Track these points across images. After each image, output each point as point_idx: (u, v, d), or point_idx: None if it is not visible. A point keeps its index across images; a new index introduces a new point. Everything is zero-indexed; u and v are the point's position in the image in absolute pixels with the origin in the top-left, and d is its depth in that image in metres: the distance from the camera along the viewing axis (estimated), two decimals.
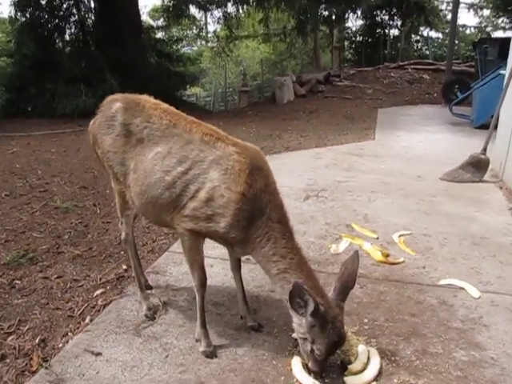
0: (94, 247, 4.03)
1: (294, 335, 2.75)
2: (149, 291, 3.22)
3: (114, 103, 2.78)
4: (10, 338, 2.78)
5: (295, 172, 6.40)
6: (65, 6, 14.72)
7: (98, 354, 2.60)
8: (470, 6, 29.70)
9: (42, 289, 3.35)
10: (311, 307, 2.21)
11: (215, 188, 2.38)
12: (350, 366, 2.48)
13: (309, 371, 2.42)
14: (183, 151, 2.49)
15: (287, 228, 2.46)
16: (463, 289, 3.35)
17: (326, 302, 2.29)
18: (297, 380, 2.41)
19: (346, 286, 2.39)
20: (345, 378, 2.40)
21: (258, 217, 2.40)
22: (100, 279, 3.48)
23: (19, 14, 13.86)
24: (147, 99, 2.80)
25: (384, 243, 4.11)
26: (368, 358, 2.54)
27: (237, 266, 2.89)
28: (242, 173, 2.37)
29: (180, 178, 2.46)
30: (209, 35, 24.25)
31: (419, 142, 8.78)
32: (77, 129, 9.89)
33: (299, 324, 2.36)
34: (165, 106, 2.76)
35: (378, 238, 4.22)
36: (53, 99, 12.60)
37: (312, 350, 2.31)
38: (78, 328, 2.88)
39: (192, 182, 2.44)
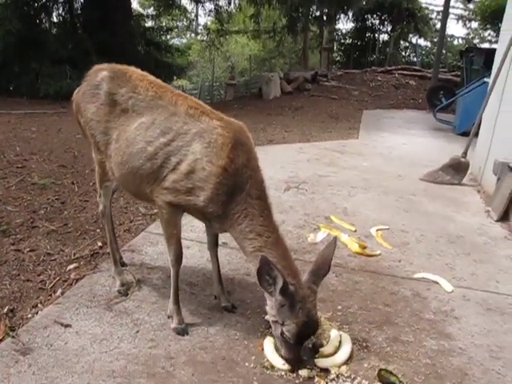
0: (69, 223, 3.96)
1: (267, 317, 2.75)
2: (123, 268, 3.18)
3: (101, 72, 2.73)
4: None
5: (277, 164, 6.40)
6: None
7: (68, 325, 2.57)
8: (460, 18, 30.19)
9: (14, 260, 3.28)
10: (280, 284, 2.19)
11: (197, 161, 2.35)
12: (321, 349, 2.49)
13: (285, 360, 2.37)
14: (167, 123, 2.46)
15: (266, 205, 2.45)
16: (437, 283, 3.40)
17: (297, 283, 2.28)
18: (267, 360, 2.41)
19: (319, 270, 2.38)
20: (315, 360, 2.40)
21: (237, 192, 2.38)
22: (74, 254, 3.42)
23: None
24: (134, 70, 2.76)
25: (362, 236, 4.14)
26: (340, 343, 2.55)
27: (214, 244, 2.87)
28: (224, 147, 2.34)
29: (162, 149, 2.43)
30: (199, 28, 24.19)
31: (402, 144, 8.86)
32: (59, 110, 9.74)
33: (270, 306, 2.34)
34: (151, 77, 2.72)
35: (355, 231, 4.25)
36: (36, 79, 12.41)
37: (282, 333, 2.28)
38: (48, 300, 2.84)
39: (174, 153, 2.41)
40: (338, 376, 2.34)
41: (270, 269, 2.18)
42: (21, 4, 13.37)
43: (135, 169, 2.51)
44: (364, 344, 2.61)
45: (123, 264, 3.24)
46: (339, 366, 2.39)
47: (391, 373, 2.35)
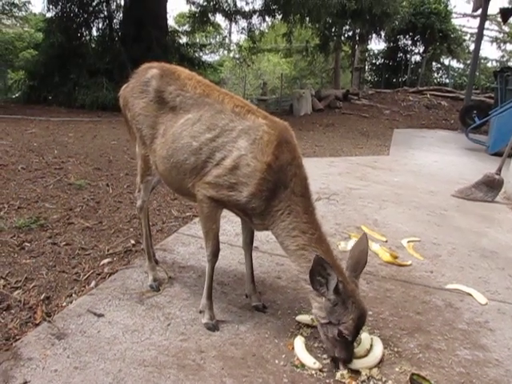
0: (104, 222, 4.05)
1: (298, 318, 2.75)
2: (155, 265, 3.22)
3: (151, 69, 2.82)
4: (16, 292, 2.80)
5: (308, 176, 6.38)
6: (95, 2, 15.03)
7: (101, 315, 2.61)
8: (494, 40, 29.90)
9: (51, 253, 3.37)
10: (334, 283, 2.18)
11: (242, 157, 2.39)
12: None
13: (335, 360, 2.35)
14: (213, 119, 2.51)
15: (310, 202, 2.45)
16: (470, 295, 3.32)
17: (344, 279, 2.28)
18: (297, 358, 2.40)
19: (357, 264, 2.39)
20: None
21: (281, 189, 2.39)
22: (108, 250, 3.49)
23: (51, 6, 14.18)
24: (183, 70, 2.84)
25: (393, 247, 4.09)
26: (371, 346, 2.52)
27: (249, 242, 2.87)
28: (269, 144, 2.37)
29: (207, 144, 2.47)
30: (231, 45, 24.64)
31: (434, 162, 8.77)
32: (95, 118, 10.02)
33: (319, 308, 2.31)
34: (199, 77, 2.79)
35: (386, 241, 4.20)
36: (74, 90, 12.81)
37: (340, 333, 2.23)
38: (82, 291, 2.90)
39: (219, 149, 2.45)
40: (368, 378, 2.30)
41: (323, 268, 2.16)
42: (65, 19, 13.93)
43: (179, 163, 2.56)
44: (395, 349, 2.56)
45: (156, 262, 3.28)
46: (370, 369, 2.35)
47: (424, 378, 2.29)
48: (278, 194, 2.40)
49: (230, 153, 2.42)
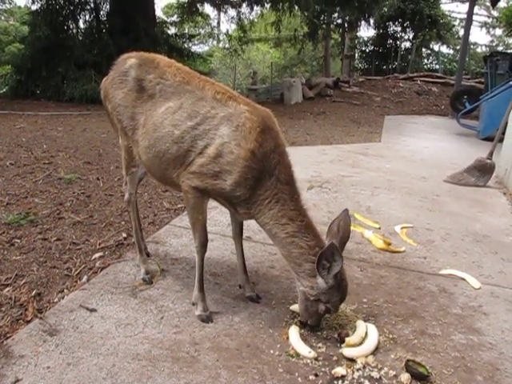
0: (94, 216, 4.00)
1: (292, 307, 2.73)
2: (147, 258, 3.19)
3: (129, 59, 2.76)
4: (7, 290, 2.77)
5: (300, 165, 6.35)
6: None
7: (93, 310, 2.58)
8: (483, 25, 29.90)
9: (41, 248, 3.33)
10: (336, 270, 2.27)
11: (224, 144, 2.35)
12: (347, 339, 2.44)
13: (309, 327, 2.53)
14: (194, 107, 2.47)
15: (295, 190, 2.44)
16: (464, 279, 3.32)
17: None
18: (292, 348, 2.39)
19: (342, 239, 2.44)
20: (342, 350, 2.37)
21: (266, 177, 2.36)
22: (99, 244, 3.45)
23: None
24: (162, 58, 2.79)
25: (386, 233, 4.08)
26: (366, 333, 2.51)
27: (238, 233, 2.85)
28: (252, 131, 2.34)
29: (189, 132, 2.43)
30: (221, 35, 24.46)
31: (425, 148, 8.77)
32: (84, 112, 9.92)
33: (311, 287, 2.38)
34: (179, 64, 2.75)
35: (380, 228, 4.20)
36: (62, 83, 12.68)
37: (327, 310, 2.41)
38: (74, 286, 2.86)
39: (201, 137, 2.41)
40: (364, 366, 2.30)
41: (332, 254, 2.23)
42: (50, 11, 13.72)
43: (161, 152, 2.52)
44: (390, 336, 2.56)
45: (148, 254, 3.25)
46: (366, 356, 2.35)
47: (419, 364, 2.29)
48: (263, 182, 2.37)
49: (213, 140, 2.38)
